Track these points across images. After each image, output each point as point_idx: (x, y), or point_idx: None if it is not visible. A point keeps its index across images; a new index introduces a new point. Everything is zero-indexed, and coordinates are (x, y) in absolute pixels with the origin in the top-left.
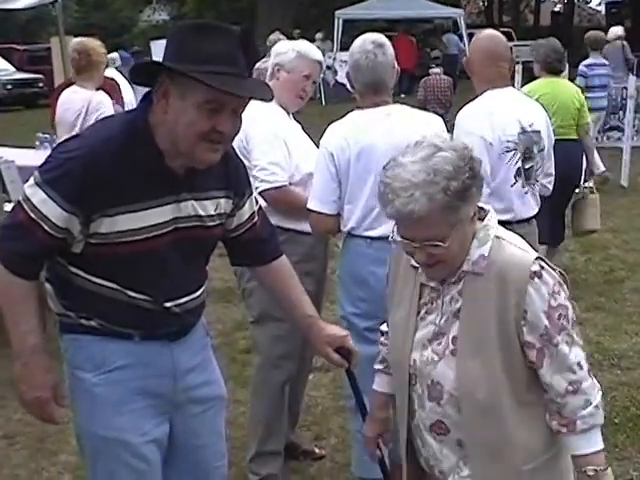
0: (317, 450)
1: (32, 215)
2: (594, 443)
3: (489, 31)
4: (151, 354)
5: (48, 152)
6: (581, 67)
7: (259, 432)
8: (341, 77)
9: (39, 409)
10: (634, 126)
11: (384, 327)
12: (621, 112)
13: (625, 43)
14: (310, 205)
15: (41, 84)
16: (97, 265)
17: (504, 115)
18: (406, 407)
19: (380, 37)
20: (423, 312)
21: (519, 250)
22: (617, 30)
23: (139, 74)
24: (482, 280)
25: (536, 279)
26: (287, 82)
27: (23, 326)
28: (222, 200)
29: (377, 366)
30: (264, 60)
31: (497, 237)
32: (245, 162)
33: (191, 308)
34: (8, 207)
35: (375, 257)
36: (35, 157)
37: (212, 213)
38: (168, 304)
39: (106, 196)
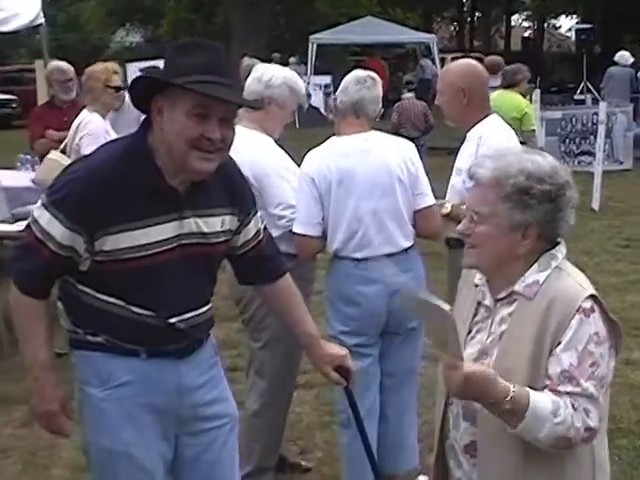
0: (304, 463)
1: (39, 235)
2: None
3: (470, 60)
4: (156, 371)
5: (30, 173)
6: None
7: (257, 450)
8: (315, 101)
9: (48, 422)
10: (604, 151)
11: None
12: (592, 137)
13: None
14: (296, 229)
15: (14, 105)
16: (103, 282)
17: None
18: (439, 426)
19: (374, 75)
20: (474, 331)
21: (575, 284)
22: (627, 56)
23: (137, 96)
24: (532, 306)
25: (583, 315)
26: (278, 115)
27: (34, 342)
28: (227, 217)
29: None
30: None
31: (559, 268)
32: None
33: (196, 324)
34: None
35: (362, 277)
36: (18, 178)
37: (217, 230)
38: (172, 320)
39: (108, 215)
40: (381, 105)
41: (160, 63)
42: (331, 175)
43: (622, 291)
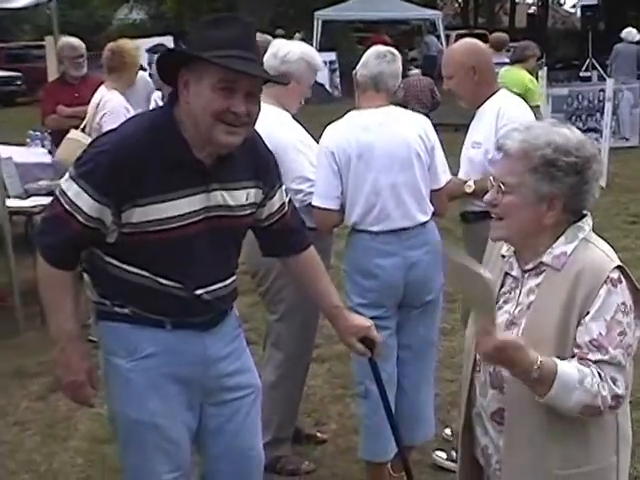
0: (319, 435)
1: (67, 207)
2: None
3: (470, 39)
4: (182, 342)
5: (40, 149)
6: None
7: (275, 420)
8: (320, 77)
9: (74, 392)
10: (611, 127)
11: None
12: (598, 114)
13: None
14: (315, 202)
15: (19, 82)
16: (130, 254)
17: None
18: (466, 394)
19: (394, 50)
20: (501, 301)
21: (603, 254)
22: (634, 33)
23: (164, 70)
24: (560, 277)
25: (610, 285)
26: (295, 91)
27: (61, 314)
28: (252, 190)
29: None
30: None
31: (586, 240)
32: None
33: (221, 296)
34: (8, 203)
35: (380, 250)
36: (28, 154)
37: (243, 203)
38: (198, 291)
39: (135, 187)
40: (399, 80)
41: (165, 40)
42: (351, 149)
43: (630, 267)
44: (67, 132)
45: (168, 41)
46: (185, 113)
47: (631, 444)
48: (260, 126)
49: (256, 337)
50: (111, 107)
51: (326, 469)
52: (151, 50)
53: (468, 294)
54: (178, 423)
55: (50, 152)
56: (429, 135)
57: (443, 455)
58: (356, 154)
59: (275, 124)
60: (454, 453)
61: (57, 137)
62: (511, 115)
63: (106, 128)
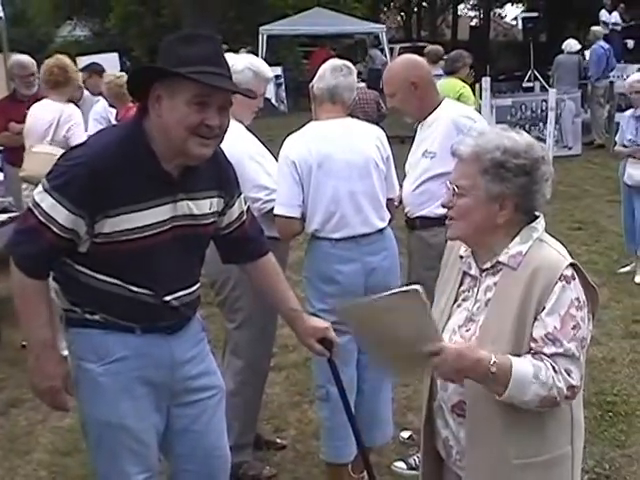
0: (279, 440)
1: (42, 219)
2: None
3: (406, 55)
4: (150, 346)
5: None
6: None
7: (236, 427)
8: (266, 92)
9: (52, 397)
10: (554, 136)
11: None
12: (541, 123)
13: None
14: (277, 211)
15: None
16: (101, 263)
17: None
18: (427, 389)
19: (349, 64)
20: (460, 299)
21: (556, 253)
22: (574, 44)
23: (135, 85)
24: (516, 275)
25: (565, 282)
26: (245, 101)
27: (35, 322)
28: (215, 199)
29: None
30: None
31: (540, 240)
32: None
33: (188, 302)
34: None
35: (340, 256)
36: None
37: (206, 212)
38: (167, 298)
39: (108, 198)
40: (355, 93)
41: (110, 57)
42: (312, 159)
43: None
44: (20, 149)
45: (113, 58)
46: (156, 127)
47: (584, 436)
48: None
49: (211, 347)
50: (76, 119)
51: (287, 474)
52: (85, 69)
53: (401, 329)
54: (147, 425)
55: (0, 169)
56: (385, 145)
57: (403, 466)
58: (317, 164)
59: (230, 135)
60: (412, 460)
61: (9, 154)
62: (471, 121)
63: (75, 140)
